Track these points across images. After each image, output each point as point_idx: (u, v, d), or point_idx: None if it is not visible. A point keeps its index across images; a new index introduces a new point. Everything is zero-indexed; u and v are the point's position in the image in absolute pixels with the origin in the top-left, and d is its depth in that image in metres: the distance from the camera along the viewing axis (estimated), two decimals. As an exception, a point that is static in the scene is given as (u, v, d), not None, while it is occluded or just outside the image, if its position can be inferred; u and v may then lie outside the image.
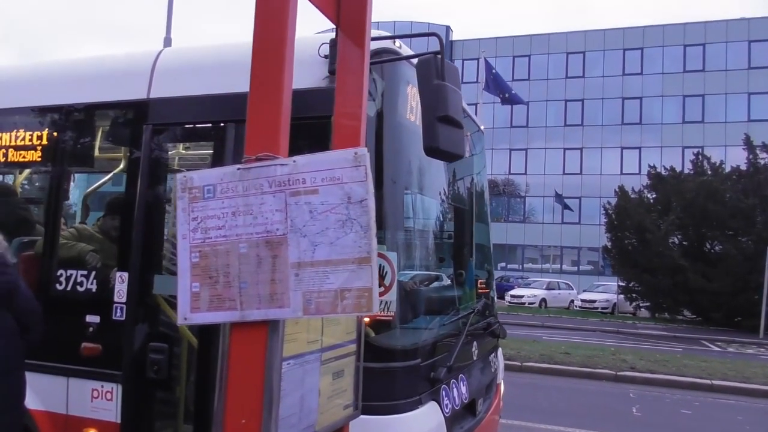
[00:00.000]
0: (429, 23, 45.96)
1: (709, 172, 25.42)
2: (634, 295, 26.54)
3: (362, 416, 2.30)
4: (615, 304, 28.57)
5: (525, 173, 45.73)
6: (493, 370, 4.47)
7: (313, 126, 2.78)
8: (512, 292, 30.39)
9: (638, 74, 43.60)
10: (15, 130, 3.74)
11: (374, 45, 2.92)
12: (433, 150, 2.59)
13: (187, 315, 1.73)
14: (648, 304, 26.30)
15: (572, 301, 31.37)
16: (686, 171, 26.89)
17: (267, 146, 1.72)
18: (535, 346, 13.28)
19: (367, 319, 2.72)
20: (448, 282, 4.04)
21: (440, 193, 3.90)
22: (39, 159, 3.68)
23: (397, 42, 3.10)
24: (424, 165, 3.46)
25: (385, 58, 2.95)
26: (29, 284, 3.50)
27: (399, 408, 2.80)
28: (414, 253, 3.47)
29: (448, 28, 47.58)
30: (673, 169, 26.74)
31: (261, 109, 1.75)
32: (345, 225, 1.61)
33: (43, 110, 3.72)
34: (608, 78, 44.30)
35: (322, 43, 2.90)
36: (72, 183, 3.98)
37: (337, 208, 1.62)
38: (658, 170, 26.93)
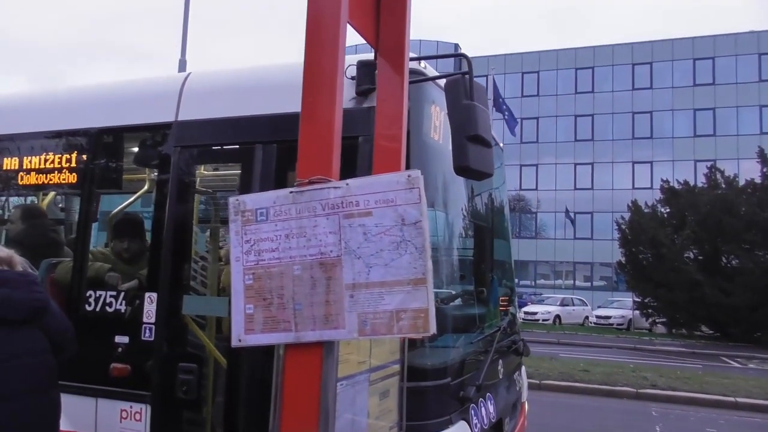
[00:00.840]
0: (437, 41, 46.31)
1: (724, 186, 25.25)
2: (650, 310, 26.27)
3: None
4: (631, 320, 28.27)
5: (536, 189, 45.64)
6: (517, 388, 4.45)
7: (342, 147, 2.83)
8: (526, 309, 30.18)
9: (648, 88, 43.61)
10: (45, 153, 3.81)
11: None
12: (463, 169, 2.62)
13: (241, 336, 1.75)
14: (664, 319, 25.99)
15: (587, 318, 31.09)
16: (700, 185, 26.72)
17: (319, 169, 1.75)
18: (553, 363, 13.15)
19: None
20: (473, 300, 4.04)
21: (463, 211, 3.91)
22: (68, 181, 3.75)
23: (422, 63, 3.14)
24: (448, 183, 3.48)
25: (411, 79, 3.02)
26: (59, 305, 3.56)
27: (430, 428, 2.78)
28: (440, 271, 3.47)
29: (456, 46, 47.89)
30: (686, 182, 26.60)
31: (312, 133, 1.78)
32: (399, 246, 1.63)
33: (72, 134, 3.79)
34: (618, 93, 44.33)
35: (349, 65, 2.93)
36: (101, 205, 4.05)
37: (391, 230, 1.64)
38: (671, 184, 26.79)
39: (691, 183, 26.91)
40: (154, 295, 3.23)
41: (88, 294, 3.46)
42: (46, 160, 3.79)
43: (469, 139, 2.58)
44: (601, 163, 44.37)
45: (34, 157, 3.84)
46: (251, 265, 1.76)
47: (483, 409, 3.37)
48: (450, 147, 3.39)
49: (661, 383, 11.18)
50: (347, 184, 1.71)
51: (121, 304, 3.37)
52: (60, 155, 3.76)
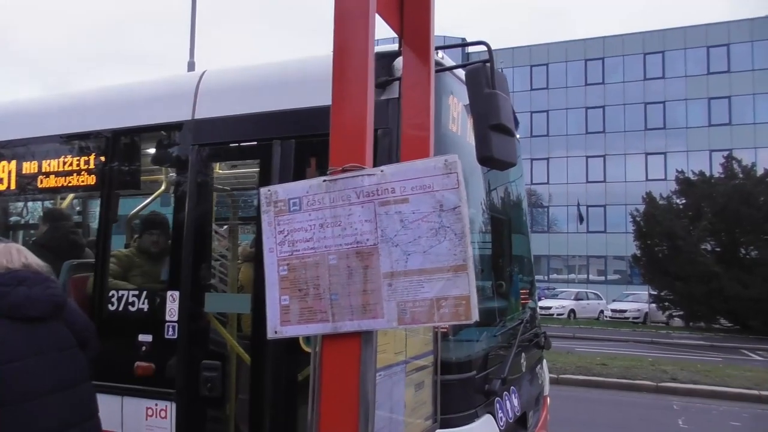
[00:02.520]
0: (444, 36, 46.14)
1: (741, 175, 24.91)
2: (666, 303, 26.01)
3: None
4: (647, 313, 28.02)
5: (547, 183, 45.35)
6: (540, 382, 4.41)
7: None
8: (540, 303, 29.94)
9: (660, 78, 43.13)
10: (63, 156, 3.82)
11: None
12: (487, 159, 2.58)
13: (277, 328, 1.72)
14: (681, 312, 25.73)
15: (602, 312, 30.86)
16: (716, 175, 26.38)
17: (352, 157, 1.72)
18: (569, 357, 13.06)
19: None
20: (495, 293, 4.01)
21: (483, 204, 3.88)
22: (87, 183, 3.75)
23: (440, 53, 3.10)
24: (467, 175, 3.45)
25: None
26: (82, 305, 3.56)
27: (456, 421, 2.75)
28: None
29: (462, 41, 47.64)
30: (702, 173, 26.26)
31: (344, 121, 1.75)
32: (438, 233, 1.59)
33: (89, 136, 3.79)
34: (629, 83, 43.89)
35: None
36: (121, 205, 4.05)
37: (429, 216, 1.61)
38: (687, 175, 26.48)
39: (707, 173, 26.57)
40: (176, 294, 3.23)
41: (110, 294, 3.46)
42: (64, 163, 3.81)
43: (492, 128, 2.54)
44: (613, 155, 43.98)
45: (52, 160, 3.85)
46: (285, 255, 1.74)
47: (508, 402, 3.34)
48: (468, 139, 3.37)
49: (682, 377, 11.06)
50: (382, 171, 1.67)
51: (143, 303, 3.37)
52: (77, 157, 3.77)
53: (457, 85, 3.25)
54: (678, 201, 26.38)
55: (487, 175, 3.74)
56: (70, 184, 3.82)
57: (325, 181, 1.73)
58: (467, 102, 3.29)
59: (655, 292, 26.36)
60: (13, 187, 4.01)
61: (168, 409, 3.19)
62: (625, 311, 29.14)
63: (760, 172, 24.83)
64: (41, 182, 3.89)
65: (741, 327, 23.51)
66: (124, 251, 3.91)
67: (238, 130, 3.30)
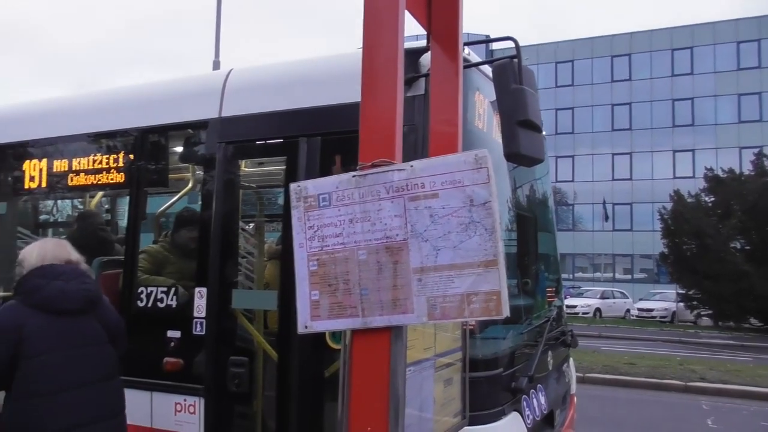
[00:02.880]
0: (467, 33, 45.85)
1: (772, 173, 24.36)
2: (694, 302, 25.56)
3: None
4: (674, 312, 27.56)
5: (572, 180, 44.82)
6: (567, 380, 4.36)
7: None
8: (565, 302, 29.61)
9: (688, 74, 42.31)
10: (91, 155, 3.87)
11: None
12: (514, 155, 2.54)
13: (307, 323, 1.73)
14: (710, 311, 25.26)
15: (628, 310, 30.44)
16: (746, 172, 25.82)
17: (382, 152, 1.72)
18: (596, 356, 12.91)
19: None
20: (521, 291, 3.98)
21: (508, 201, 3.84)
22: (116, 181, 3.79)
23: (466, 49, 3.07)
24: (494, 170, 3.41)
25: None
26: (111, 302, 3.62)
27: (483, 418, 2.74)
28: None
29: (486, 37, 47.28)
30: (731, 170, 25.73)
31: (374, 116, 1.76)
32: (468, 228, 1.59)
33: (117, 134, 3.83)
34: (656, 80, 43.14)
35: None
36: (149, 202, 4.10)
37: (459, 211, 1.60)
38: (716, 172, 25.97)
39: (737, 171, 26.02)
40: (204, 290, 3.26)
41: (139, 290, 3.51)
42: (93, 161, 3.86)
43: (519, 124, 2.50)
44: (640, 153, 43.29)
45: (81, 159, 3.90)
46: (315, 251, 1.75)
47: (535, 400, 3.32)
48: (494, 135, 3.34)
49: (711, 376, 10.87)
50: (411, 166, 1.67)
51: (172, 300, 3.41)
52: (105, 156, 3.82)
53: (483, 81, 3.23)
54: (707, 199, 25.90)
55: (513, 173, 3.71)
56: (98, 182, 3.87)
57: (354, 176, 1.73)
58: (493, 98, 3.27)
59: (683, 291, 25.91)
60: (44, 185, 4.08)
61: (197, 404, 3.22)
62: (652, 310, 28.72)
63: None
64: (71, 180, 3.95)
65: (772, 327, 23.01)
66: (157, 247, 3.94)
67: (264, 128, 3.32)
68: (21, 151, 4.21)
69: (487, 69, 3.36)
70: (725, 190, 24.80)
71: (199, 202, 3.60)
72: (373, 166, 1.71)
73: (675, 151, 42.13)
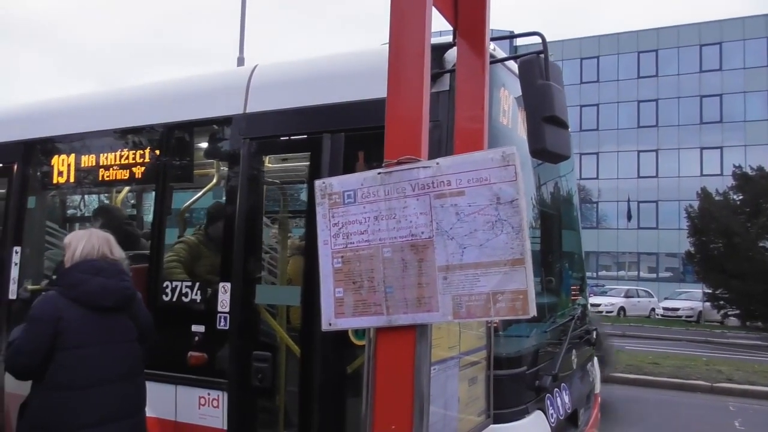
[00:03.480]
0: (492, 29, 45.41)
1: (803, 170, 23.78)
2: (721, 302, 25.09)
3: None
4: (700, 312, 27.09)
5: (596, 178, 44.24)
6: (591, 379, 4.31)
7: None
8: (589, 300, 29.26)
9: (717, 70, 41.45)
10: (117, 150, 3.90)
11: None
12: (540, 152, 2.51)
13: (331, 320, 1.73)
14: (738, 311, 24.77)
15: (653, 310, 29.99)
16: (776, 170, 25.23)
17: (408, 149, 1.71)
18: (619, 356, 12.71)
19: None
20: (546, 289, 3.93)
21: (533, 199, 3.78)
22: (141, 176, 3.83)
23: (492, 44, 3.04)
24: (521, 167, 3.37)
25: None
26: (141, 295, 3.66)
27: (506, 417, 2.71)
28: None
29: (511, 33, 46.91)
30: (761, 168, 25.16)
31: (400, 113, 1.74)
32: (495, 226, 1.57)
33: (142, 130, 3.86)
34: (684, 76, 42.33)
35: None
36: (175, 198, 4.10)
37: (485, 209, 1.58)
38: (744, 170, 25.42)
39: (766, 168, 25.44)
40: (228, 285, 3.27)
41: (165, 284, 3.53)
42: (118, 157, 3.89)
43: (546, 120, 2.47)
44: (666, 150, 42.54)
45: (106, 154, 3.94)
46: (340, 248, 1.74)
47: (558, 399, 3.28)
48: (519, 132, 3.30)
49: (738, 377, 10.65)
50: (437, 164, 1.66)
51: (196, 294, 3.43)
52: (131, 152, 3.86)
53: (509, 77, 3.19)
54: (735, 197, 25.37)
55: (537, 170, 3.66)
56: (124, 178, 3.91)
57: (380, 173, 1.72)
58: (518, 94, 3.23)
59: (710, 291, 25.45)
60: (71, 180, 4.13)
61: (220, 398, 3.25)
62: (677, 309, 28.25)
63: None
64: (98, 175, 3.99)
65: (802, 328, 22.50)
66: (193, 239, 3.95)
67: (288, 124, 3.32)
68: (49, 146, 4.27)
69: (513, 64, 3.33)
70: (754, 188, 24.26)
71: (224, 198, 3.63)
72: (399, 163, 1.70)
73: (702, 149, 41.32)
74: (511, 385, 2.81)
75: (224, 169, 3.77)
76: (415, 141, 1.72)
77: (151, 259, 3.69)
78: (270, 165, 3.97)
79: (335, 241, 1.75)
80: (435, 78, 2.82)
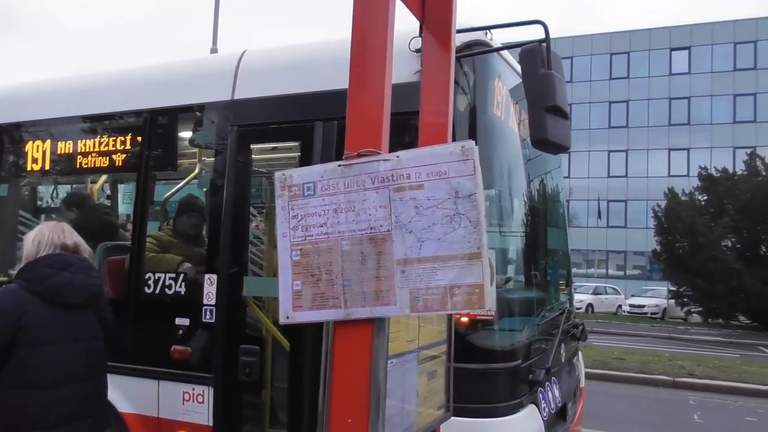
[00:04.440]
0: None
1: (764, 173, 24.48)
2: (685, 300, 25.72)
3: (463, 419, 2.24)
4: (665, 309, 27.73)
5: (568, 177, 44.77)
6: (577, 373, 4.30)
7: (401, 122, 2.66)
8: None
9: (686, 74, 42.35)
10: (98, 136, 3.72)
11: (466, 37, 2.82)
12: (541, 141, 2.48)
13: (289, 314, 1.72)
14: (701, 309, 25.44)
15: (620, 306, 30.59)
16: (739, 172, 25.94)
17: (368, 142, 1.69)
18: (586, 351, 12.92)
19: (465, 319, 2.66)
20: (537, 283, 3.86)
21: (525, 192, 3.69)
22: (122, 164, 3.67)
23: (489, 33, 2.97)
24: (511, 161, 3.30)
25: (477, 50, 2.84)
26: (118, 288, 3.48)
27: (501, 411, 2.71)
28: (506, 252, 3.31)
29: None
30: (725, 170, 25.85)
31: (361, 105, 1.73)
32: (453, 220, 1.57)
33: (124, 115, 3.70)
34: (654, 78, 43.16)
35: (413, 38, 2.79)
36: (157, 187, 3.97)
37: (444, 203, 1.58)
38: (710, 171, 26.07)
39: (730, 170, 26.13)
40: (214, 277, 3.17)
41: (147, 276, 3.39)
42: (99, 144, 3.72)
43: (548, 110, 2.44)
44: (636, 150, 43.34)
45: (86, 141, 3.77)
46: (298, 240, 1.73)
47: (550, 393, 3.26)
48: (511, 124, 3.22)
49: (699, 372, 10.96)
50: (398, 157, 1.65)
51: (180, 287, 3.32)
52: (112, 138, 3.68)
53: (503, 67, 3.14)
54: (700, 197, 26.02)
55: (530, 162, 3.60)
56: (104, 165, 3.74)
57: (340, 165, 1.71)
58: (512, 85, 3.14)
59: (675, 288, 26.07)
60: (46, 167, 3.94)
61: (205, 393, 3.15)
62: (643, 306, 28.89)
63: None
64: (76, 163, 3.80)
65: (760, 324, 23.18)
66: (160, 233, 3.84)
67: (278, 111, 3.20)
68: (22, 132, 4.06)
69: (508, 55, 3.26)
70: (718, 189, 24.93)
71: (209, 187, 3.50)
72: (359, 155, 1.69)
73: (670, 150, 42.21)
74: (506, 378, 2.79)
75: (210, 157, 3.61)
76: (376, 134, 1.71)
77: (133, 250, 3.53)
78: (259, 153, 3.83)
79: (294, 234, 1.73)
80: None
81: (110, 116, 3.76)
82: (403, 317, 1.75)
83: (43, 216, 4.83)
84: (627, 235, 41.95)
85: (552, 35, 2.81)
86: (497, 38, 3.11)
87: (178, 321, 3.23)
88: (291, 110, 3.17)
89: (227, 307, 3.14)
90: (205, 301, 3.17)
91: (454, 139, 2.54)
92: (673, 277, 25.73)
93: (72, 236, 2.67)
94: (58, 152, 3.89)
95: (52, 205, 4.98)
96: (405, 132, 2.72)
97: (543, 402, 3.09)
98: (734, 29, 41.22)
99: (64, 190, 4.92)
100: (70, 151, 3.83)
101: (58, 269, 2.51)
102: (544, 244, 4.20)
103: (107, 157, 3.69)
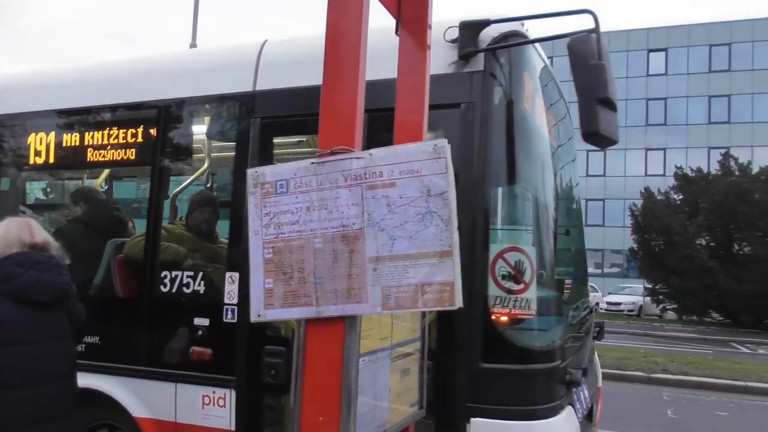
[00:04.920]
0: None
1: (737, 173, 24.95)
2: (661, 297, 26.13)
3: (501, 421, 2.24)
4: (641, 306, 28.13)
5: (547, 175, 45.13)
6: (596, 373, 4.23)
7: (436, 114, 2.52)
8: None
9: (663, 75, 42.99)
10: (113, 128, 3.53)
11: (501, 28, 2.74)
12: (592, 135, 2.41)
13: (260, 311, 1.71)
14: (675, 306, 25.87)
15: (597, 304, 30.91)
16: (713, 172, 26.42)
17: (342, 140, 1.69)
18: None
19: (504, 318, 2.58)
20: (567, 280, 3.75)
21: (557, 187, 3.53)
22: (139, 157, 3.50)
23: (524, 24, 2.91)
24: (546, 155, 3.19)
25: (512, 42, 2.75)
26: (131, 287, 3.36)
27: (542, 413, 2.61)
28: (543, 249, 3.10)
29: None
30: (699, 169, 26.29)
31: (335, 103, 1.73)
32: (425, 218, 1.58)
33: (140, 107, 3.53)
34: (632, 79, 43.71)
35: (449, 27, 2.72)
36: (174, 181, 3.79)
37: (416, 201, 1.59)
38: (685, 171, 26.51)
39: (705, 170, 26.59)
40: (236, 275, 3.02)
41: (163, 274, 3.24)
42: (111, 136, 3.54)
43: (600, 102, 2.38)
44: (613, 150, 43.82)
45: (98, 133, 3.58)
46: (271, 238, 1.72)
47: (581, 393, 3.18)
48: (544, 117, 3.12)
49: (672, 368, 11.15)
50: (370, 155, 1.65)
51: (199, 285, 3.17)
52: (130, 130, 3.50)
53: (537, 59, 3.08)
54: (676, 197, 26.42)
55: (556, 158, 3.47)
56: (120, 158, 3.54)
57: (313, 163, 1.71)
58: (543, 76, 3.07)
59: (650, 286, 26.46)
60: (55, 160, 3.74)
61: (227, 396, 3.00)
62: (620, 304, 29.25)
63: (755, 170, 24.85)
64: (89, 156, 3.60)
65: (732, 321, 23.65)
66: (172, 227, 3.67)
67: (303, 103, 2.96)
68: (34, 122, 3.81)
69: (540, 48, 3.18)
70: (693, 188, 25.34)
71: (231, 181, 3.36)
72: (332, 153, 1.69)
73: (647, 150, 42.82)
74: (547, 379, 2.69)
75: (231, 150, 3.43)
76: (349, 131, 1.71)
77: (147, 247, 3.35)
78: (282, 146, 3.71)
79: (266, 231, 1.73)
80: (468, 57, 2.71)
81: (124, 108, 3.57)
82: (376, 315, 1.75)
83: (46, 213, 4.65)
84: (605, 233, 42.46)
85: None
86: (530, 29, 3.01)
87: (197, 321, 3.08)
88: (315, 101, 3.10)
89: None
90: (226, 300, 3.03)
91: (489, 133, 2.50)
92: (649, 275, 26.10)
93: (40, 233, 2.61)
94: (67, 145, 3.70)
95: (64, 201, 4.72)
96: (439, 126, 2.62)
97: (577, 403, 3.00)
98: (709, 32, 41.94)
99: (76, 184, 4.66)
100: (81, 143, 3.65)
101: (26, 267, 2.46)
102: (570, 239, 4.08)
103: (121, 151, 3.52)
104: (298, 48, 3.31)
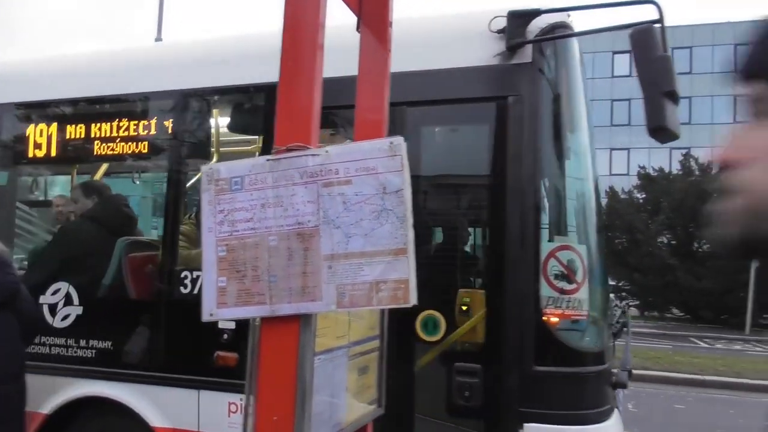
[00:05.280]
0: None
1: (698, 173, 25.63)
2: (623, 293, 26.69)
3: (550, 426, 2.21)
4: (605, 303, 28.70)
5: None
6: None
7: (482, 108, 2.55)
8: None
9: (627, 77, 43.90)
10: (131, 119, 3.35)
11: (550, 18, 2.69)
12: (659, 130, 2.36)
13: (212, 310, 1.68)
14: (638, 302, 26.47)
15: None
16: (675, 171, 27.09)
17: (298, 137, 1.67)
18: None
19: (555, 319, 2.53)
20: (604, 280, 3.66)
21: (598, 184, 3.43)
22: (158, 150, 3.35)
23: (570, 15, 2.86)
24: (589, 150, 3.13)
25: (559, 33, 2.70)
26: (145, 288, 3.25)
27: (595, 417, 2.57)
28: (591, 247, 3.01)
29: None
30: (662, 169, 26.93)
31: (292, 99, 1.70)
32: (380, 216, 1.57)
33: (160, 95, 3.35)
34: (597, 80, 44.50)
35: (495, 17, 2.65)
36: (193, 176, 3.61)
37: (371, 198, 1.58)
38: (648, 171, 27.11)
39: (667, 170, 27.24)
40: None
41: (183, 275, 3.08)
42: (120, 127, 3.36)
43: (666, 95, 2.34)
44: (579, 149, 44.63)
45: (116, 123, 3.38)
46: (225, 236, 1.69)
47: (620, 396, 3.16)
48: (581, 112, 3.07)
49: (634, 363, 11.30)
50: (327, 152, 1.64)
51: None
52: (147, 121, 3.33)
53: (578, 52, 3.05)
54: (639, 196, 27.00)
55: (595, 150, 3.39)
56: (138, 151, 3.36)
57: (268, 160, 1.68)
58: (582, 74, 3.03)
59: (614, 283, 26.99)
60: (77, 151, 3.59)
61: None
62: (584, 301, 29.77)
63: (715, 170, 25.50)
64: (104, 149, 3.41)
65: (692, 317, 24.32)
66: (186, 227, 3.56)
67: (336, 93, 2.91)
68: (54, 110, 3.61)
69: (581, 40, 3.12)
70: (655, 188, 25.94)
71: None
72: (288, 150, 1.67)
73: (612, 149, 43.67)
74: (599, 382, 2.64)
75: (256, 144, 3.32)
76: (306, 128, 1.69)
77: (165, 246, 3.20)
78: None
79: (220, 229, 1.70)
80: (515, 49, 2.65)
81: (144, 96, 3.40)
82: (332, 313, 1.74)
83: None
84: (570, 231, 43.19)
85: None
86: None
87: (222, 324, 2.93)
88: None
89: None
90: None
91: (539, 127, 2.45)
92: (612, 272, 26.64)
93: None
94: (78, 137, 3.53)
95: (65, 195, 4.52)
96: (485, 119, 2.57)
97: (620, 406, 3.00)
98: (672, 35, 42.60)
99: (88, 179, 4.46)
100: (101, 134, 3.46)
101: None
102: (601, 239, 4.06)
103: (138, 143, 3.34)
104: (334, 37, 3.24)
